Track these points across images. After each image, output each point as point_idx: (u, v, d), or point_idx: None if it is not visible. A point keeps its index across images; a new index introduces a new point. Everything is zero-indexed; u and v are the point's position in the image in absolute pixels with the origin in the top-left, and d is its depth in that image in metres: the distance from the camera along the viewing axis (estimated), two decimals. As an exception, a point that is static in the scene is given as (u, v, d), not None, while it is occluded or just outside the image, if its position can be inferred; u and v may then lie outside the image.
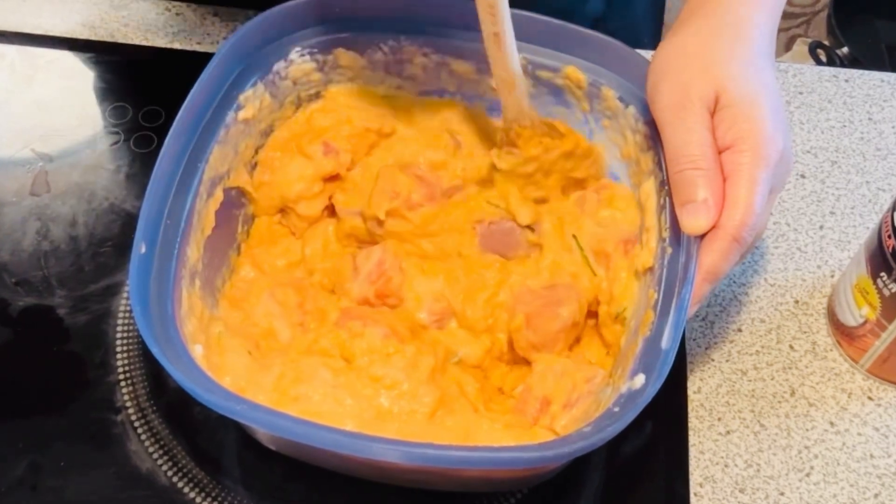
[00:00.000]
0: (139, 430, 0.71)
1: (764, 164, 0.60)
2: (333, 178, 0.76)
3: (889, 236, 0.68)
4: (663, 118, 0.63)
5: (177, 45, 0.94)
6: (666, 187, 0.64)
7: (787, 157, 0.62)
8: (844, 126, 0.91)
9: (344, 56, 0.75)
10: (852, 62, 1.75)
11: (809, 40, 1.85)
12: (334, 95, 0.77)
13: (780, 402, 0.74)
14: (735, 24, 0.65)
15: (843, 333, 0.76)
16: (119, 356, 0.74)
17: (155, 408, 0.72)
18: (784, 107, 0.64)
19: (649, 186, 0.69)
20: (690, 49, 0.65)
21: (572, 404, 0.64)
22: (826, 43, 1.81)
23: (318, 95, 0.77)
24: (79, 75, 0.92)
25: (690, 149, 0.61)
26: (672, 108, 0.63)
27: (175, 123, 0.66)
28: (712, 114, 0.62)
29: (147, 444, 0.70)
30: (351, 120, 0.76)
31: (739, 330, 0.78)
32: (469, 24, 0.69)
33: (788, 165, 0.63)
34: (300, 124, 0.76)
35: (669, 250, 0.64)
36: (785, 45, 1.99)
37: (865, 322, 0.73)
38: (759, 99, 0.62)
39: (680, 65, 0.64)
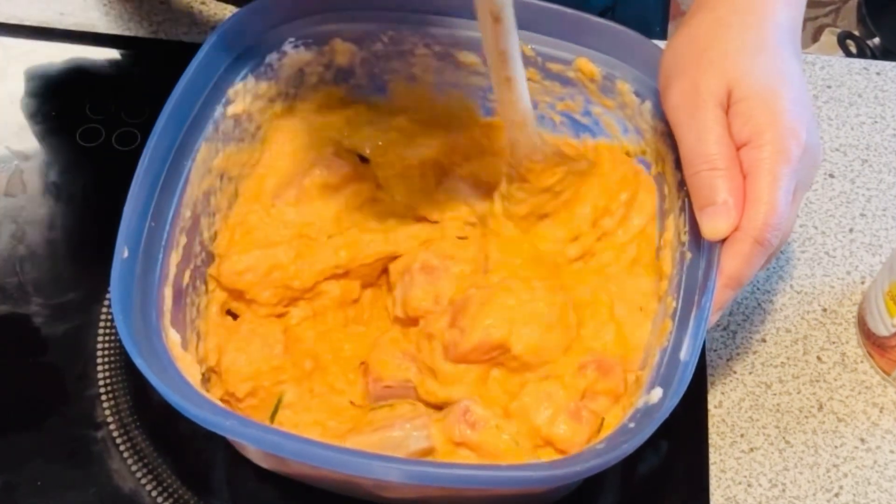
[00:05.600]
0: (121, 448, 0.71)
1: (785, 158, 0.60)
2: None
3: (924, 240, 0.68)
4: (675, 118, 0.63)
5: (162, 36, 0.94)
6: (684, 188, 0.65)
7: (813, 151, 0.62)
8: (876, 122, 0.91)
9: (341, 47, 0.75)
10: (884, 53, 1.76)
11: (838, 30, 1.85)
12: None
13: (806, 417, 0.75)
14: (746, 12, 0.65)
15: (875, 344, 0.76)
16: (100, 368, 0.74)
17: (138, 423, 0.72)
18: (809, 97, 0.64)
19: (668, 188, 0.70)
20: (699, 42, 0.65)
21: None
22: (856, 33, 1.82)
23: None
24: (57, 68, 0.92)
25: (706, 148, 0.61)
26: (683, 107, 0.63)
27: (160, 119, 0.66)
28: (727, 109, 0.62)
29: (130, 462, 0.71)
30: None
31: (763, 340, 0.78)
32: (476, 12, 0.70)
33: (815, 160, 0.63)
34: None
35: (689, 255, 0.64)
36: (812, 35, 1.99)
37: (898, 332, 0.73)
38: (776, 89, 0.61)
39: (689, 60, 0.64)
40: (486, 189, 0.75)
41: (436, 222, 0.75)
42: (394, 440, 0.64)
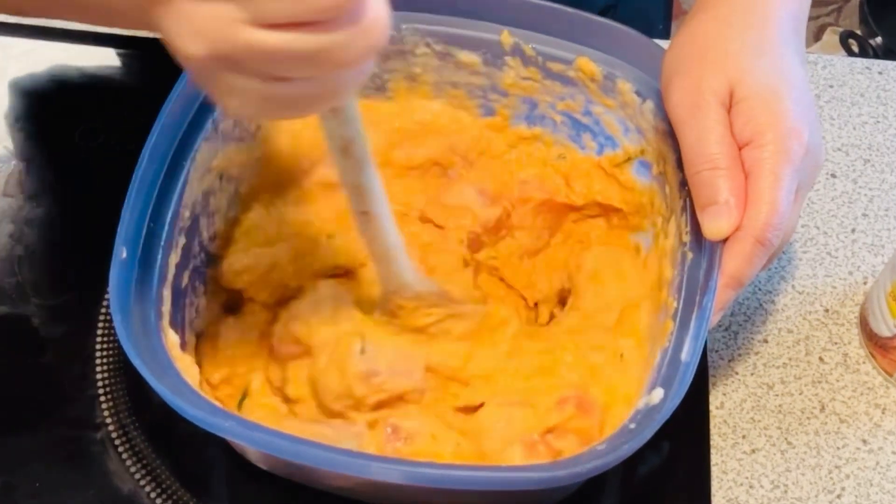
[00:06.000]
0: (120, 449, 0.71)
1: (787, 158, 0.60)
2: None
3: (926, 240, 0.68)
4: (677, 117, 0.63)
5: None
6: (686, 188, 0.65)
7: (815, 151, 0.62)
8: (878, 122, 0.91)
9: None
10: (886, 53, 1.75)
11: (840, 29, 1.85)
12: None
13: (808, 418, 0.74)
14: (748, 12, 0.65)
15: (877, 344, 0.76)
16: (99, 369, 0.74)
17: (137, 424, 0.72)
18: (812, 98, 0.64)
19: (669, 188, 0.70)
20: (701, 41, 0.65)
21: None
22: (858, 32, 1.82)
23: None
24: (56, 67, 0.92)
25: (707, 148, 0.61)
26: (685, 105, 0.63)
27: (159, 119, 0.66)
28: (729, 109, 0.62)
29: (129, 463, 0.70)
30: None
31: (765, 341, 0.78)
32: (477, 11, 0.70)
33: (817, 160, 0.63)
34: None
35: (690, 256, 0.64)
36: (814, 34, 1.99)
37: (901, 332, 0.73)
38: (779, 89, 0.62)
39: (691, 59, 0.64)
40: (491, 198, 0.75)
41: (441, 227, 0.75)
42: (324, 437, 0.63)
